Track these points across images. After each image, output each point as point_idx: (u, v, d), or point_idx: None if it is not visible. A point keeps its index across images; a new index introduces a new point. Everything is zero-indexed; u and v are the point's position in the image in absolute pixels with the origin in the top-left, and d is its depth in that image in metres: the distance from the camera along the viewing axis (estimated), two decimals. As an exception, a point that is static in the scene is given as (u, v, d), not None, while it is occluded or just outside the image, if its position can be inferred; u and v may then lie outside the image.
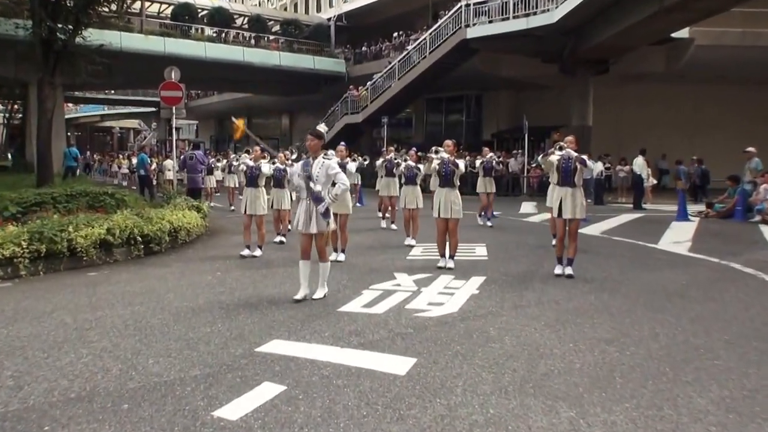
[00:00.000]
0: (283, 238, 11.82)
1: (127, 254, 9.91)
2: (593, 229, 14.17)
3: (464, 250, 10.90)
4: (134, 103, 58.04)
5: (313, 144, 6.89)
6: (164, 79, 15.88)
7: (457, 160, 9.01)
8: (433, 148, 9.24)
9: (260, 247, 10.42)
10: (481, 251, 10.94)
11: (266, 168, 10.54)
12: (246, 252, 10.27)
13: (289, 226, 11.65)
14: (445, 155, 9.14)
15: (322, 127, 7.46)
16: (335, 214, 8.88)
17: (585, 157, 8.59)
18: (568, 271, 8.46)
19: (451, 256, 9.14)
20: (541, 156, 8.84)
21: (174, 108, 15.71)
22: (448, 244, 9.15)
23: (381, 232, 13.62)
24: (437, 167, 9.11)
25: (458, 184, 9.04)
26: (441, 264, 9.05)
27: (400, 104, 31.57)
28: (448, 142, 9.32)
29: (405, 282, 8.28)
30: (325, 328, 6.01)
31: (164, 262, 9.78)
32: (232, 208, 18.57)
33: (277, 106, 46.76)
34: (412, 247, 11.17)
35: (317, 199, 6.84)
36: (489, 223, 14.50)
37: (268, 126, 52.69)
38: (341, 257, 9.65)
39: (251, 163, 10.54)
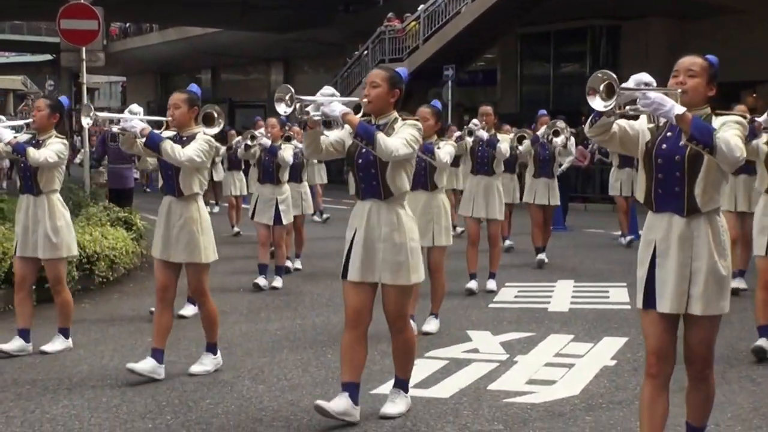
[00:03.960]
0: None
1: (6, 300, 10.09)
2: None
3: (592, 294, 10.93)
4: (15, 45, 59.13)
5: None
6: (66, 1, 16.08)
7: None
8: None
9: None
10: (618, 295, 10.96)
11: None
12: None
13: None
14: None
15: None
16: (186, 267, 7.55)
17: None
18: None
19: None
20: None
21: (84, 50, 15.88)
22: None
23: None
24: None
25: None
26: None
27: (474, 45, 31.66)
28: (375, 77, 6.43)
29: (487, 345, 8.36)
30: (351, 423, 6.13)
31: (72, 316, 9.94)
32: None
33: (263, 51, 47.23)
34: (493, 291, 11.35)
35: None
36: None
37: (248, 84, 53.15)
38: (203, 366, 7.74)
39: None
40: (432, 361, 7.75)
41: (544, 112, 15.29)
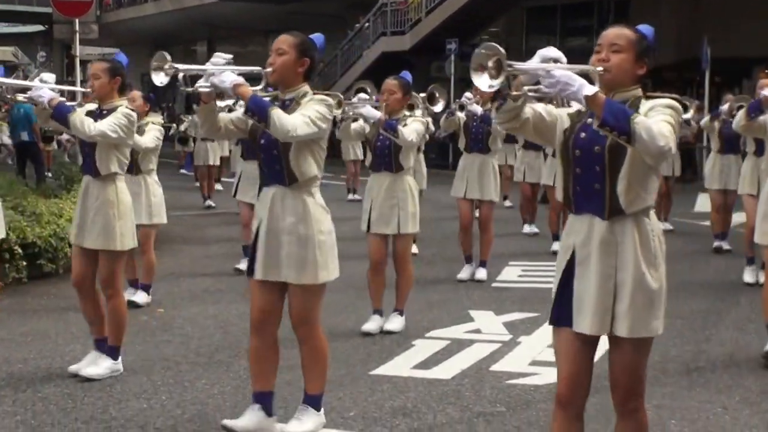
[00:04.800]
0: None
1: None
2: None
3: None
4: (5, 16, 58.98)
5: None
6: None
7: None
8: None
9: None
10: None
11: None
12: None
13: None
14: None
15: None
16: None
17: None
18: None
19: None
20: None
21: (77, 22, 15.90)
22: None
23: (443, 238, 13.71)
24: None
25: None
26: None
27: (479, 18, 31.60)
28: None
29: (489, 326, 8.40)
30: (350, 404, 6.17)
31: (64, 293, 9.93)
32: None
33: (262, 23, 46.90)
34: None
35: None
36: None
37: (245, 56, 52.89)
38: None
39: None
40: (433, 341, 7.76)
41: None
